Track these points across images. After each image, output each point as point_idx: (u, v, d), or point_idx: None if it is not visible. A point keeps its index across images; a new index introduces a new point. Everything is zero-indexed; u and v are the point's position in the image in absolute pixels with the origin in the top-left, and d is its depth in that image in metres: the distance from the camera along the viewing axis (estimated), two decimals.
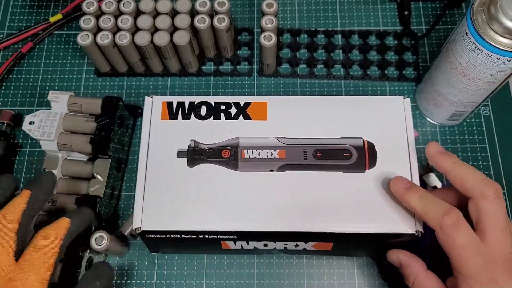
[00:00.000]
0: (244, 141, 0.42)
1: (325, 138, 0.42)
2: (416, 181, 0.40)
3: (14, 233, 0.36)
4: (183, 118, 0.43)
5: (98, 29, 0.49)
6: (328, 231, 0.39)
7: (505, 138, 0.51)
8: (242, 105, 0.43)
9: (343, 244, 0.42)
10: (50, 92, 0.48)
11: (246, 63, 0.55)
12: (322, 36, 0.56)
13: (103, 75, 0.55)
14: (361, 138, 0.41)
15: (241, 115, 0.43)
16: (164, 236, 0.40)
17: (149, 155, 0.41)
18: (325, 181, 0.40)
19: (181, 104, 0.43)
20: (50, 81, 0.55)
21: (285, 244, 0.42)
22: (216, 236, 0.40)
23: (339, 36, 0.56)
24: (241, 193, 0.40)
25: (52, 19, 0.56)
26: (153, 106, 0.43)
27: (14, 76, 0.55)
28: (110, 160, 0.46)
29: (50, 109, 0.47)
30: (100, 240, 0.42)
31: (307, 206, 0.39)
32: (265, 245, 0.42)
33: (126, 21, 0.49)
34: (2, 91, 0.55)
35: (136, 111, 0.53)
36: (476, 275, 0.35)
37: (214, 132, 0.42)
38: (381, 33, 0.56)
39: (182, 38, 0.49)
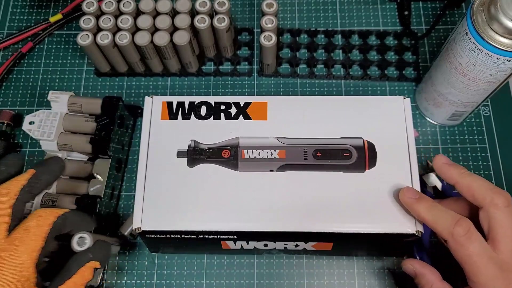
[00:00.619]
0: (244, 141, 0.42)
1: (325, 138, 0.42)
2: (416, 181, 0.40)
3: (10, 207, 0.36)
4: (183, 118, 0.43)
5: (98, 29, 0.49)
6: (328, 231, 0.39)
7: (505, 138, 0.51)
8: (242, 105, 0.43)
9: (343, 244, 0.42)
10: (50, 92, 0.48)
11: (246, 63, 0.55)
12: (322, 36, 0.56)
13: (103, 75, 0.55)
14: (361, 138, 0.41)
15: (241, 115, 0.43)
16: (164, 236, 0.40)
17: (149, 155, 0.41)
18: (325, 181, 0.40)
19: (181, 104, 0.43)
20: (50, 81, 0.55)
21: (285, 244, 0.42)
22: (216, 236, 0.40)
23: (339, 36, 0.56)
24: (241, 193, 0.40)
25: (52, 19, 0.56)
26: (153, 106, 0.43)
27: (14, 76, 0.55)
28: (110, 160, 0.46)
29: (50, 109, 0.47)
30: (82, 242, 0.40)
31: (307, 206, 0.39)
32: (265, 245, 0.42)
33: (126, 21, 0.49)
34: (2, 91, 0.55)
35: (136, 111, 0.53)
36: (492, 283, 0.35)
37: (214, 132, 0.42)
38: (381, 33, 0.56)
39: (182, 38, 0.49)
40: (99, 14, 0.50)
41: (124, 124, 0.50)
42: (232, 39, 0.54)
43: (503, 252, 0.35)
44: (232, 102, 0.43)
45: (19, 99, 0.54)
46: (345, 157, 0.41)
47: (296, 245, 0.42)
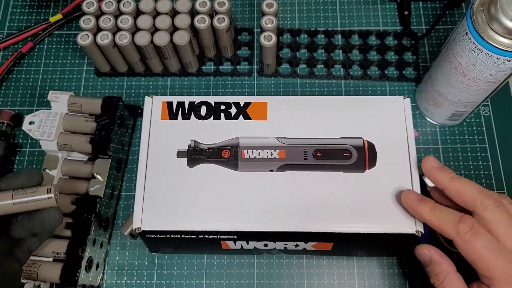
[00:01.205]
0: (244, 141, 0.42)
1: (325, 138, 0.42)
2: (416, 181, 0.40)
3: None
4: (183, 118, 0.43)
5: (98, 29, 0.49)
6: (328, 231, 0.39)
7: (505, 138, 0.51)
8: (242, 105, 0.43)
9: (343, 244, 0.42)
10: (50, 92, 0.48)
11: (246, 63, 0.55)
12: (322, 36, 0.56)
13: (103, 75, 0.55)
14: (361, 138, 0.41)
15: (241, 115, 0.43)
16: (164, 236, 0.40)
17: (149, 155, 0.41)
18: (325, 181, 0.40)
19: (181, 104, 0.43)
20: (50, 81, 0.55)
21: (285, 244, 0.42)
22: (216, 236, 0.40)
23: (339, 36, 0.56)
24: (241, 193, 0.40)
25: (52, 19, 0.56)
26: (153, 106, 0.43)
27: (14, 76, 0.55)
28: (110, 160, 0.46)
29: (50, 109, 0.47)
30: None
31: (307, 206, 0.39)
32: (265, 245, 0.42)
33: (126, 21, 0.49)
34: (2, 91, 0.55)
35: (136, 111, 0.53)
36: (507, 277, 0.34)
37: (214, 132, 0.42)
38: (381, 33, 0.56)
39: (182, 38, 0.49)
40: (99, 14, 0.50)
41: (124, 124, 0.50)
42: (232, 39, 0.54)
43: (511, 248, 0.35)
44: (232, 102, 0.43)
45: (19, 99, 0.54)
46: (345, 157, 0.41)
47: (296, 245, 0.42)
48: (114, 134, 0.46)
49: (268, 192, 0.40)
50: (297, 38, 0.56)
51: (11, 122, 0.51)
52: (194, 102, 0.43)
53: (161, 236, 0.40)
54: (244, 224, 0.39)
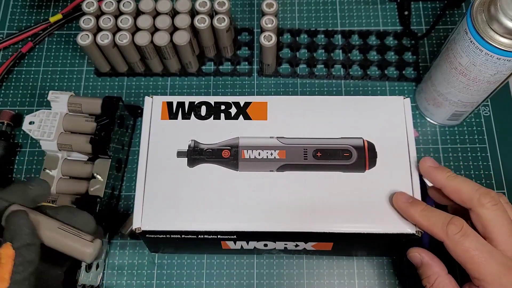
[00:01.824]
0: (244, 141, 0.42)
1: (325, 138, 0.42)
2: (416, 181, 0.40)
3: None
4: (183, 118, 0.43)
5: (98, 29, 0.49)
6: (328, 231, 0.39)
7: (505, 138, 0.51)
8: (242, 105, 0.43)
9: (343, 244, 0.42)
10: (50, 92, 0.48)
11: (246, 63, 0.55)
12: (322, 36, 0.56)
13: (103, 75, 0.55)
14: (361, 138, 0.41)
15: (241, 115, 0.43)
16: (164, 236, 0.40)
17: (149, 155, 0.41)
18: (325, 181, 0.40)
19: (181, 104, 0.43)
20: (50, 81, 0.55)
21: (285, 244, 0.42)
22: (216, 236, 0.40)
23: (339, 36, 0.56)
24: (241, 193, 0.40)
25: (52, 19, 0.56)
26: (153, 106, 0.43)
27: (14, 76, 0.55)
28: (110, 160, 0.46)
29: (50, 109, 0.47)
30: None
31: (307, 206, 0.39)
32: (265, 245, 0.42)
33: (126, 21, 0.49)
34: (2, 91, 0.55)
35: (136, 111, 0.53)
36: (496, 279, 0.34)
37: (214, 132, 0.42)
38: (381, 33, 0.56)
39: (182, 38, 0.49)
40: (99, 14, 0.50)
41: (124, 124, 0.50)
42: (232, 39, 0.54)
43: (504, 249, 0.35)
44: (232, 102, 0.43)
45: (19, 99, 0.54)
46: (345, 157, 0.41)
47: (296, 245, 0.42)
48: (114, 134, 0.46)
49: (268, 192, 0.40)
50: (297, 38, 0.56)
51: (11, 122, 0.51)
52: (194, 102, 0.43)
53: (161, 236, 0.40)
54: (244, 224, 0.39)
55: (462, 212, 0.37)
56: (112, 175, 0.47)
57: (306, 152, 0.41)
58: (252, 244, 0.42)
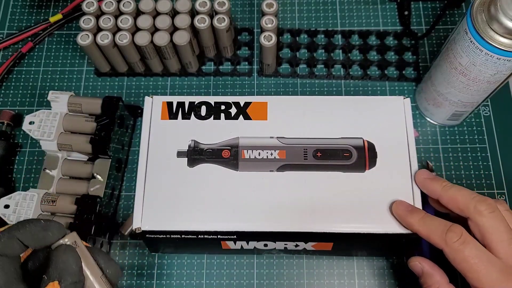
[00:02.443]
0: (244, 141, 0.42)
1: (325, 138, 0.42)
2: None
3: None
4: (183, 118, 0.43)
5: (98, 29, 0.49)
6: (328, 231, 0.39)
7: (505, 138, 0.51)
8: (242, 105, 0.43)
9: (343, 244, 0.42)
10: (50, 92, 0.48)
11: (246, 63, 0.55)
12: (322, 36, 0.56)
13: (103, 75, 0.55)
14: (361, 138, 0.41)
15: (241, 115, 0.43)
16: (164, 236, 0.40)
17: (149, 155, 0.41)
18: (325, 181, 0.40)
19: (181, 104, 0.43)
20: (50, 81, 0.55)
21: (285, 244, 0.42)
22: (216, 236, 0.40)
23: (339, 36, 0.56)
24: (241, 193, 0.40)
25: (52, 19, 0.56)
26: (153, 106, 0.43)
27: (14, 76, 0.55)
28: (110, 160, 0.46)
29: (50, 109, 0.47)
30: None
31: (307, 206, 0.39)
32: (265, 245, 0.42)
33: (126, 21, 0.49)
34: (2, 91, 0.55)
35: (136, 111, 0.53)
36: (497, 286, 0.34)
37: (214, 132, 0.42)
38: (381, 33, 0.56)
39: (182, 38, 0.49)
40: (99, 14, 0.50)
41: (124, 124, 0.50)
42: (232, 39, 0.54)
43: (503, 257, 0.34)
44: (232, 102, 0.43)
45: (19, 99, 0.54)
46: (345, 157, 0.41)
47: (296, 245, 0.42)
48: (114, 134, 0.46)
49: (268, 192, 0.40)
50: (297, 38, 0.56)
51: (11, 122, 0.51)
52: (194, 102, 0.43)
53: (161, 236, 0.40)
54: (244, 224, 0.39)
55: (463, 220, 0.37)
56: (112, 175, 0.47)
57: (306, 152, 0.41)
58: (252, 244, 0.42)
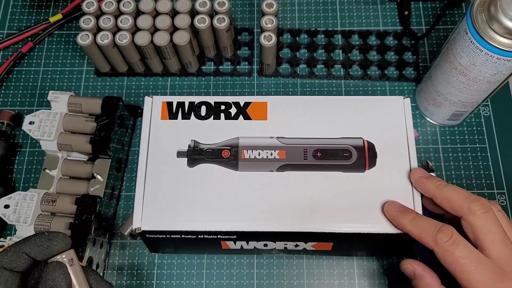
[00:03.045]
0: (244, 141, 0.42)
1: (325, 138, 0.41)
2: None
3: None
4: (183, 118, 0.43)
5: (98, 29, 0.49)
6: (328, 231, 0.39)
7: (505, 138, 0.51)
8: (242, 105, 0.43)
9: (343, 244, 0.42)
10: (50, 92, 0.48)
11: (246, 63, 0.55)
12: (322, 36, 0.56)
13: (103, 75, 0.55)
14: (361, 138, 0.41)
15: (241, 115, 0.43)
16: (164, 236, 0.40)
17: (149, 155, 0.41)
18: (325, 181, 0.40)
19: (181, 104, 0.43)
20: (50, 81, 0.55)
21: (285, 244, 0.42)
22: (216, 236, 0.40)
23: (339, 36, 0.56)
24: (241, 193, 0.40)
25: (52, 19, 0.56)
26: (153, 106, 0.43)
27: (14, 76, 0.55)
28: (110, 160, 0.46)
29: (50, 109, 0.47)
30: None
31: (307, 206, 0.39)
32: (265, 245, 0.42)
33: (126, 21, 0.49)
34: (2, 91, 0.55)
35: (136, 111, 0.53)
36: (487, 287, 0.34)
37: (214, 132, 0.42)
38: (381, 33, 0.56)
39: (182, 38, 0.49)
40: (99, 14, 0.50)
41: (124, 124, 0.50)
42: (232, 39, 0.54)
43: (495, 258, 0.34)
44: (232, 102, 0.43)
45: (19, 99, 0.54)
46: (345, 157, 0.41)
47: (296, 245, 0.42)
48: (114, 134, 0.46)
49: (268, 192, 0.40)
50: (297, 38, 0.56)
51: (11, 122, 0.51)
52: (194, 102, 0.43)
53: (161, 236, 0.40)
54: (244, 224, 0.39)
55: (457, 222, 0.37)
56: (112, 175, 0.47)
57: (306, 152, 0.41)
58: (252, 244, 0.42)
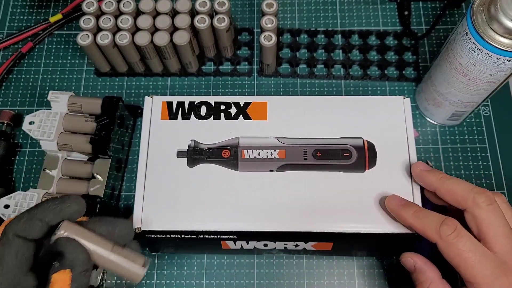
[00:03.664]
0: (244, 141, 0.42)
1: (325, 138, 0.42)
2: None
3: None
4: (183, 118, 0.43)
5: (98, 29, 0.49)
6: (328, 231, 0.39)
7: (505, 138, 0.51)
8: (242, 105, 0.43)
9: (343, 244, 0.42)
10: (50, 92, 0.48)
11: (246, 63, 0.56)
12: (322, 36, 0.56)
13: (103, 75, 0.55)
14: (361, 138, 0.41)
15: (241, 115, 0.43)
16: (164, 236, 0.40)
17: (149, 155, 0.41)
18: (325, 181, 0.40)
19: (181, 104, 0.43)
20: (50, 81, 0.55)
21: (285, 244, 0.42)
22: (216, 236, 0.40)
23: (339, 36, 0.56)
24: (241, 193, 0.40)
25: (52, 19, 0.56)
26: (153, 106, 0.43)
27: (14, 76, 0.55)
28: (110, 160, 0.46)
29: (50, 109, 0.47)
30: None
31: (307, 206, 0.39)
32: (265, 245, 0.42)
33: (126, 21, 0.49)
34: (2, 91, 0.55)
35: (136, 111, 0.53)
36: (489, 282, 0.33)
37: (214, 132, 0.42)
38: (381, 33, 0.56)
39: (182, 38, 0.49)
40: (99, 14, 0.50)
41: (124, 124, 0.50)
42: (232, 39, 0.54)
43: (499, 252, 0.34)
44: (232, 102, 0.43)
45: (19, 99, 0.54)
46: (345, 157, 0.41)
47: (296, 245, 0.42)
48: (114, 134, 0.46)
49: (268, 192, 0.40)
50: (297, 38, 0.56)
51: (11, 122, 0.51)
52: (194, 102, 0.43)
53: (161, 236, 0.40)
54: (244, 224, 0.39)
55: (460, 215, 0.36)
56: (112, 175, 0.47)
57: (306, 152, 0.41)
58: (252, 244, 0.42)
